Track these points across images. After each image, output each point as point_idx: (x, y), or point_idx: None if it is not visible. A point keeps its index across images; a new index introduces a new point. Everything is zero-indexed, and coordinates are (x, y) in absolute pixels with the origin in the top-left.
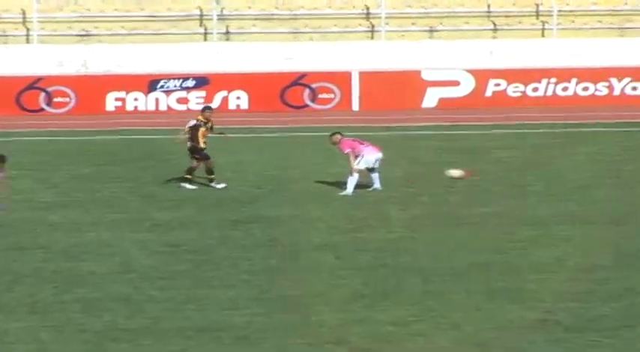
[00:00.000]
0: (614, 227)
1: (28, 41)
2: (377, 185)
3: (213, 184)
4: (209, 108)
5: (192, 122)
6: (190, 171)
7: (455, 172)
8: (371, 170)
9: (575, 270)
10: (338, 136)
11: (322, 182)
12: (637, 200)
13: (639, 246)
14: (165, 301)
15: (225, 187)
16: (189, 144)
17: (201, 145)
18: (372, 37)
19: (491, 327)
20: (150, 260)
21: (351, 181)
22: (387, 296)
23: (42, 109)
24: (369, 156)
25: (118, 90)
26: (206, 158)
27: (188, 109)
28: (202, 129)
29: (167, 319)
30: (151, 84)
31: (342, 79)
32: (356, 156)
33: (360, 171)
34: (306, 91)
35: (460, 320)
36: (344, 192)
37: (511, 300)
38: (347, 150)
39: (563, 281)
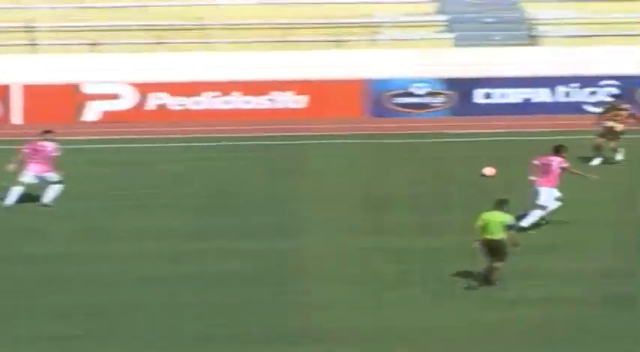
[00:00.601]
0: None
1: None
2: (46, 200)
3: None
4: None
5: None
6: None
7: (488, 170)
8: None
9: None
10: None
11: None
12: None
13: (309, 260)
14: None
15: None
16: None
17: None
18: (32, 51)
19: (168, 342)
20: None
21: (12, 192)
22: (41, 310)
23: None
24: (28, 172)
25: None
26: None
27: None
28: None
29: None
30: None
31: (1, 92)
32: (24, 167)
33: (23, 183)
34: None
35: (126, 332)
36: (4, 203)
37: (194, 315)
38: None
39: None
